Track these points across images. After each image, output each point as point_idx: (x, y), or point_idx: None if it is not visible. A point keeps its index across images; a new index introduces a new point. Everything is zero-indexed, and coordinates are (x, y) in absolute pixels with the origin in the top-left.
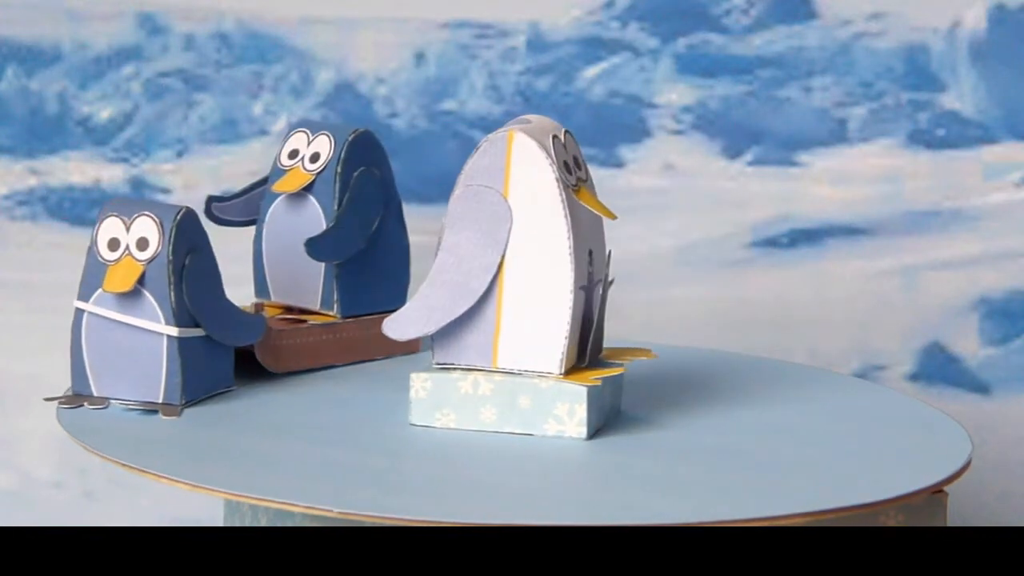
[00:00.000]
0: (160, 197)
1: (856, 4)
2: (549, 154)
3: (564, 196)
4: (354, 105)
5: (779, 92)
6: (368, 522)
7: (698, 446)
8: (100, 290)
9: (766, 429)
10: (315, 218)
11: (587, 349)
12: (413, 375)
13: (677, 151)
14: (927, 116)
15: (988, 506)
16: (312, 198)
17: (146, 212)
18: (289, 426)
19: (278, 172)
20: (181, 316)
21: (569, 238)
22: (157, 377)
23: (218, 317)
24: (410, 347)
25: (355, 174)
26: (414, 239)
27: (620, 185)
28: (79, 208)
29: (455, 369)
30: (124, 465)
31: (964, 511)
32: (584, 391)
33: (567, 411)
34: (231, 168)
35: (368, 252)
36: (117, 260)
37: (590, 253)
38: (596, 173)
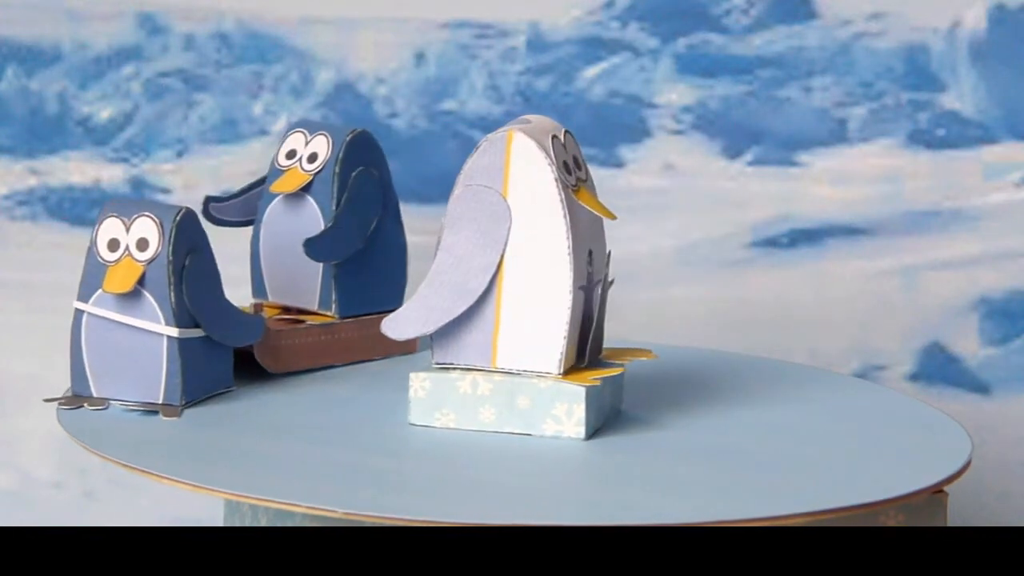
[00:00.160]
0: (160, 197)
1: (856, 4)
2: (548, 154)
3: (563, 196)
4: (354, 105)
5: (779, 92)
6: (368, 522)
7: (698, 446)
8: (100, 291)
9: (766, 429)
10: (313, 218)
11: (586, 349)
12: (412, 375)
13: (677, 151)
14: (927, 116)
15: (988, 506)
16: (310, 198)
17: (146, 212)
18: (289, 426)
19: (275, 172)
20: (181, 317)
21: (568, 238)
22: (157, 378)
23: (218, 317)
24: (408, 347)
25: (353, 174)
26: (414, 239)
27: (620, 185)
28: (79, 208)
29: (454, 369)
30: (124, 465)
31: (964, 511)
32: (582, 391)
33: (565, 411)
34: (231, 168)
35: (366, 252)
36: (117, 261)
37: (590, 253)
38: (596, 173)
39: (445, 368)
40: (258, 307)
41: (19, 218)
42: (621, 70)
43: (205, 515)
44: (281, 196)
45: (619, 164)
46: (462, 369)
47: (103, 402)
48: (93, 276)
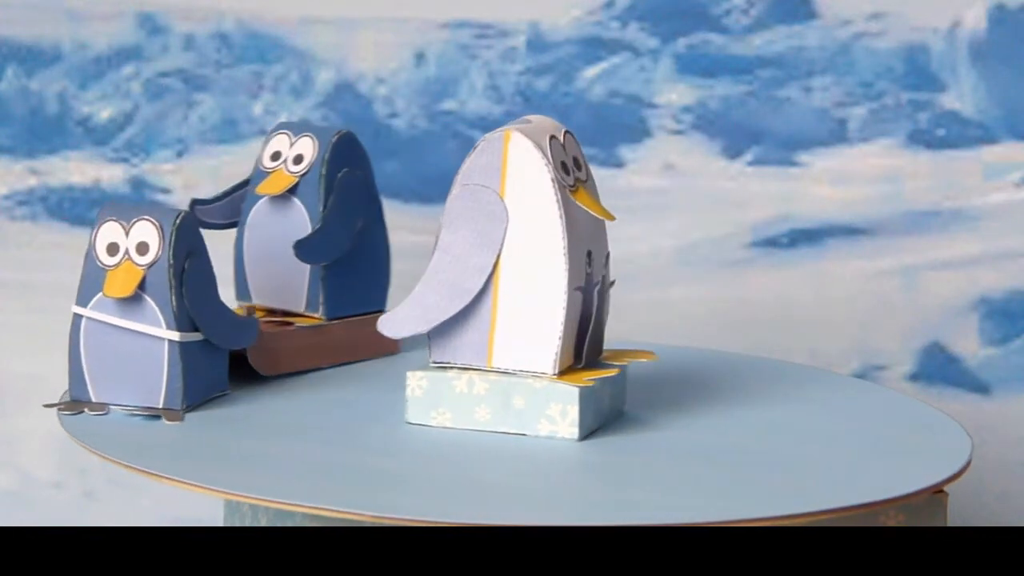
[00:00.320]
0: (160, 197)
1: (856, 4)
2: (545, 154)
3: (559, 197)
4: (354, 105)
5: (779, 92)
6: (368, 522)
7: (698, 446)
8: (99, 295)
9: (766, 429)
10: (300, 220)
11: (583, 350)
12: (409, 373)
13: (677, 151)
14: (927, 116)
15: (988, 506)
16: (296, 200)
17: (145, 216)
18: (286, 428)
19: (260, 174)
20: (182, 320)
21: (564, 238)
22: (158, 382)
23: (216, 321)
24: (391, 348)
25: (339, 175)
26: (415, 239)
27: (620, 185)
28: (79, 208)
29: (451, 368)
30: (124, 465)
31: (964, 511)
32: (576, 392)
33: (560, 411)
34: (231, 168)
35: (352, 253)
36: (116, 265)
37: (589, 254)
38: (596, 173)
39: (442, 367)
40: (251, 309)
41: (19, 218)
42: (621, 70)
43: (205, 515)
44: (266, 198)
45: (619, 164)
46: (459, 368)
47: (103, 407)
48: (92, 280)
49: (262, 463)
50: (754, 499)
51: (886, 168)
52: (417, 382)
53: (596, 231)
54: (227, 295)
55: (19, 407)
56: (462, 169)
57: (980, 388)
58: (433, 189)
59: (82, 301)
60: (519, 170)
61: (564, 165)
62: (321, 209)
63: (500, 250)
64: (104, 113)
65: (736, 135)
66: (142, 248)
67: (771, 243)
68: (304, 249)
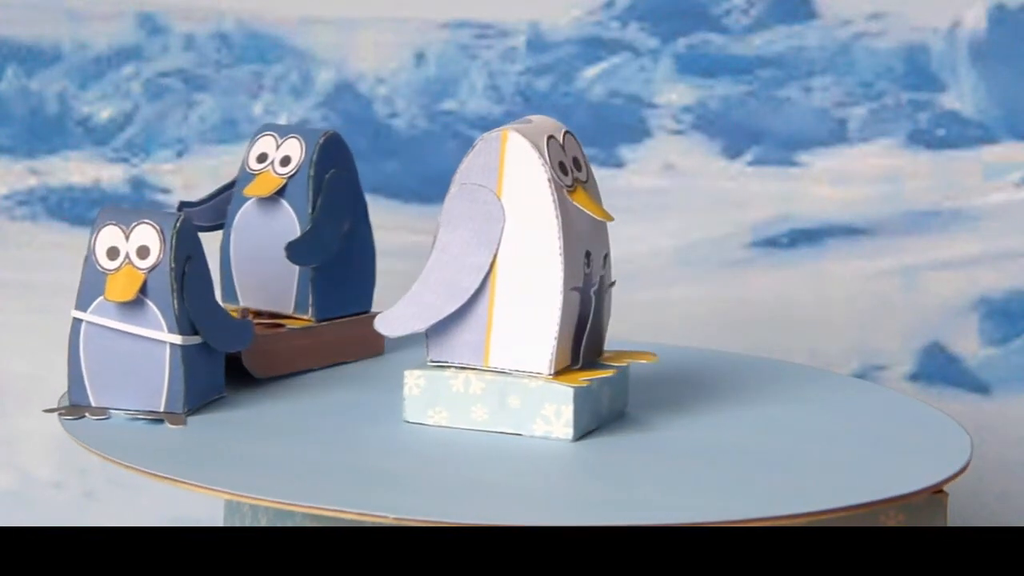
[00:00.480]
0: (160, 197)
1: (856, 4)
2: (542, 154)
3: (556, 197)
4: (354, 105)
5: (779, 92)
6: (368, 522)
7: (697, 446)
8: (100, 299)
9: (766, 429)
10: (288, 222)
11: (581, 350)
12: (407, 372)
13: (677, 151)
14: (927, 116)
15: (988, 506)
16: (284, 202)
17: (146, 220)
18: (284, 429)
19: (247, 176)
20: (183, 324)
21: (559, 239)
22: (159, 386)
23: (215, 324)
24: (377, 348)
25: (326, 177)
26: (415, 239)
27: (620, 185)
28: (79, 208)
29: (448, 367)
30: (124, 465)
31: (964, 511)
32: (571, 392)
33: (554, 412)
34: (231, 168)
35: (340, 255)
36: (117, 269)
37: (587, 255)
38: (596, 173)
39: (440, 366)
40: (245, 312)
41: (19, 218)
42: (621, 70)
43: (205, 515)
44: (254, 200)
45: (619, 164)
46: (456, 367)
47: (103, 411)
48: (92, 285)
49: (262, 463)
50: (754, 499)
51: (886, 168)
52: (415, 381)
53: (596, 232)
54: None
55: (19, 407)
56: (460, 168)
57: (980, 388)
58: (433, 189)
59: (82, 305)
60: (516, 170)
61: (562, 165)
62: (310, 211)
63: (497, 249)
64: (104, 113)
65: (736, 135)
66: (143, 252)
67: (771, 243)
68: (295, 251)
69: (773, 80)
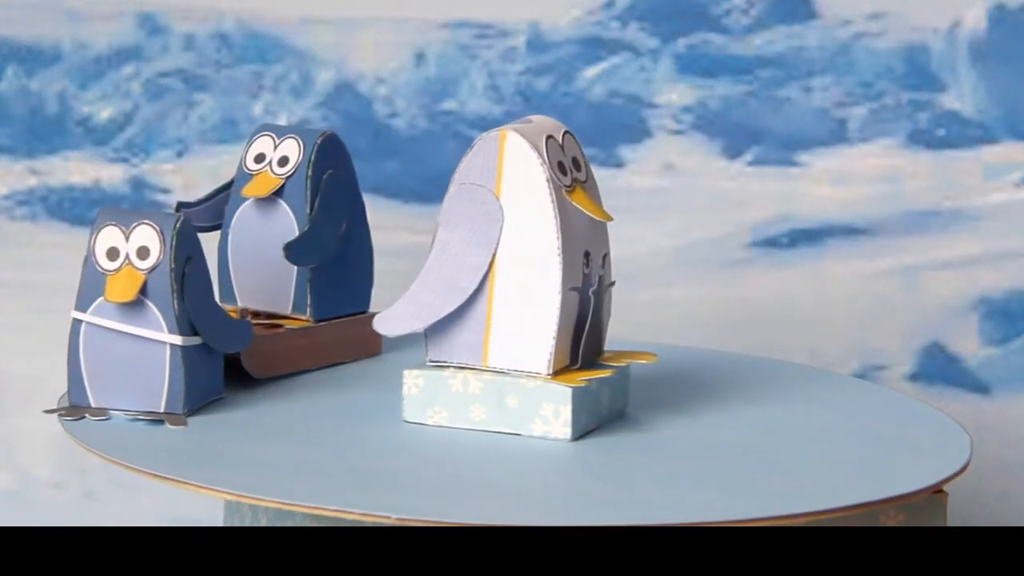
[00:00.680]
0: (160, 197)
1: (856, 4)
2: (541, 154)
3: (554, 197)
4: (354, 105)
5: (779, 92)
6: (368, 522)
7: (697, 446)
8: (100, 300)
9: (765, 429)
10: (287, 222)
11: (579, 350)
12: (406, 372)
13: (677, 151)
14: (927, 116)
15: (988, 506)
16: (283, 202)
17: (146, 221)
18: (283, 429)
19: (244, 176)
20: (183, 324)
21: (558, 239)
22: (159, 387)
23: (214, 324)
24: (374, 349)
25: (324, 177)
26: (415, 239)
27: (620, 185)
28: (79, 208)
29: (447, 367)
30: (125, 466)
31: (964, 511)
32: (569, 392)
33: (553, 412)
34: (231, 168)
35: (338, 255)
36: (117, 270)
37: (586, 255)
38: (596, 173)
39: (438, 366)
40: (244, 312)
41: (19, 218)
42: (621, 70)
43: (205, 515)
44: (251, 200)
45: (619, 164)
46: (455, 367)
47: (103, 412)
48: (91, 285)
49: (261, 464)
50: (754, 499)
51: (886, 168)
52: (413, 380)
53: (595, 232)
54: None
55: (19, 407)
56: (459, 168)
57: (980, 388)
58: (433, 189)
59: (81, 306)
60: (515, 170)
61: (561, 165)
62: (308, 211)
63: (496, 249)
64: (104, 113)
65: (736, 135)
66: (143, 252)
67: (771, 243)
68: (294, 251)
69: (773, 80)
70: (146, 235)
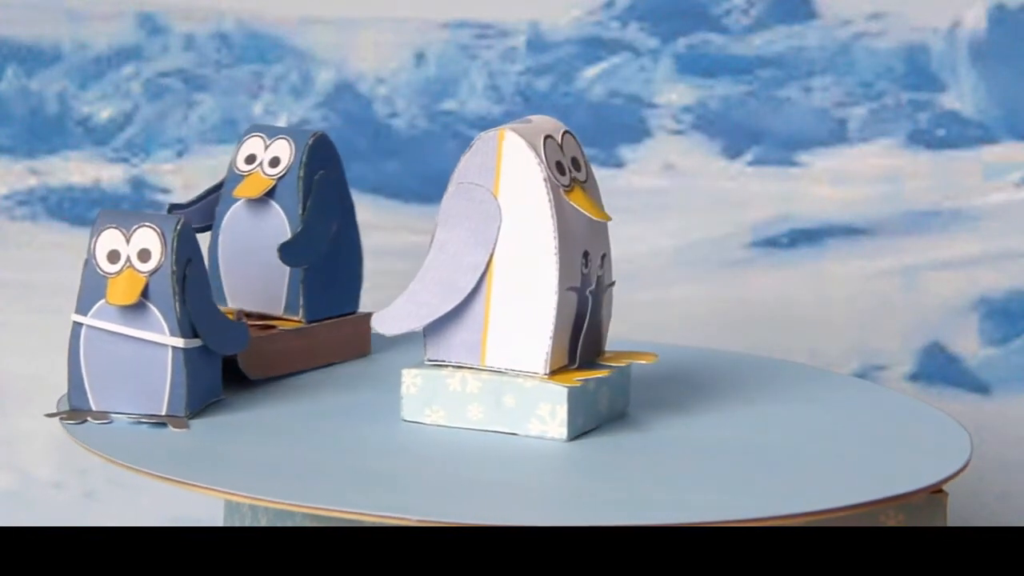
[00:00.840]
0: (160, 197)
1: (856, 4)
2: (538, 154)
3: (551, 196)
4: (354, 105)
5: (779, 92)
6: (368, 522)
7: (697, 446)
8: (101, 303)
9: (765, 429)
10: (279, 223)
11: (577, 350)
12: (404, 371)
13: (677, 151)
14: (927, 116)
15: (988, 506)
16: (274, 203)
17: (146, 223)
18: (282, 430)
19: (235, 177)
20: (184, 327)
21: (555, 238)
22: (161, 389)
23: (214, 326)
24: (364, 349)
25: (316, 177)
26: (415, 239)
27: (620, 185)
28: (79, 208)
29: (445, 366)
30: (125, 466)
31: (964, 511)
32: (565, 391)
33: (549, 411)
34: None
35: (329, 255)
36: (118, 272)
37: (585, 255)
38: (596, 173)
39: (437, 365)
40: (240, 314)
41: (19, 218)
42: (621, 70)
43: (205, 515)
44: (243, 201)
45: (619, 164)
46: (453, 367)
47: (105, 415)
48: (92, 288)
49: (261, 464)
50: (754, 499)
51: (886, 168)
52: (412, 380)
53: (595, 232)
54: None
55: (19, 408)
56: (458, 167)
57: (980, 388)
58: (433, 189)
59: (82, 309)
60: (512, 169)
61: (560, 165)
62: (300, 211)
63: (493, 249)
64: (104, 113)
65: (736, 135)
66: (144, 255)
67: (771, 243)
68: (289, 252)
69: (773, 80)
70: (147, 238)
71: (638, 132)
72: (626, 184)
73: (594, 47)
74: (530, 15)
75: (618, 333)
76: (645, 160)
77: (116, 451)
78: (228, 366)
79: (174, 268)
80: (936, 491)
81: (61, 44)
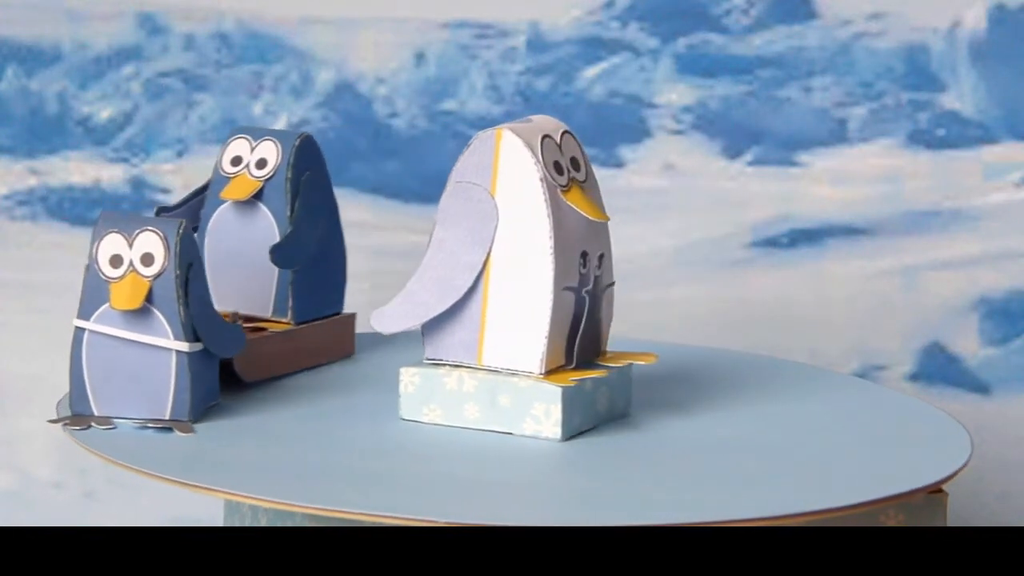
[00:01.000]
0: (160, 197)
1: (856, 4)
2: (535, 153)
3: (548, 196)
4: (354, 105)
5: (779, 92)
6: (368, 521)
7: (696, 445)
8: (104, 307)
9: (765, 428)
10: (267, 225)
11: (574, 350)
12: (403, 369)
13: (677, 151)
14: (927, 116)
15: (988, 506)
16: (262, 205)
17: (149, 227)
18: (279, 431)
19: (221, 180)
20: (188, 331)
21: (551, 238)
22: (164, 394)
23: (214, 330)
24: (348, 350)
25: (303, 179)
26: (415, 239)
27: (620, 185)
28: (79, 208)
29: (443, 365)
30: (125, 466)
31: (964, 511)
32: (559, 391)
33: (544, 411)
34: None
35: (316, 257)
36: (121, 277)
37: (583, 255)
38: (596, 173)
39: (434, 364)
40: (235, 316)
41: (19, 218)
42: (621, 70)
43: (205, 515)
44: (229, 203)
45: (619, 164)
46: (449, 365)
47: (108, 421)
48: (95, 293)
49: (261, 465)
50: (753, 499)
51: (886, 168)
52: (410, 378)
53: (593, 232)
54: None
55: (19, 408)
56: (456, 166)
57: (980, 388)
58: (433, 189)
59: (84, 314)
60: (509, 169)
61: (557, 165)
62: (288, 213)
63: (490, 248)
64: (104, 113)
65: (736, 135)
66: (147, 259)
67: (771, 243)
68: (280, 254)
69: (773, 80)
70: (150, 242)
71: (638, 132)
72: (626, 184)
73: (594, 47)
74: (530, 15)
75: (618, 333)
76: (645, 160)
77: (116, 452)
78: (220, 369)
79: (177, 272)
80: (936, 491)
81: (61, 44)
